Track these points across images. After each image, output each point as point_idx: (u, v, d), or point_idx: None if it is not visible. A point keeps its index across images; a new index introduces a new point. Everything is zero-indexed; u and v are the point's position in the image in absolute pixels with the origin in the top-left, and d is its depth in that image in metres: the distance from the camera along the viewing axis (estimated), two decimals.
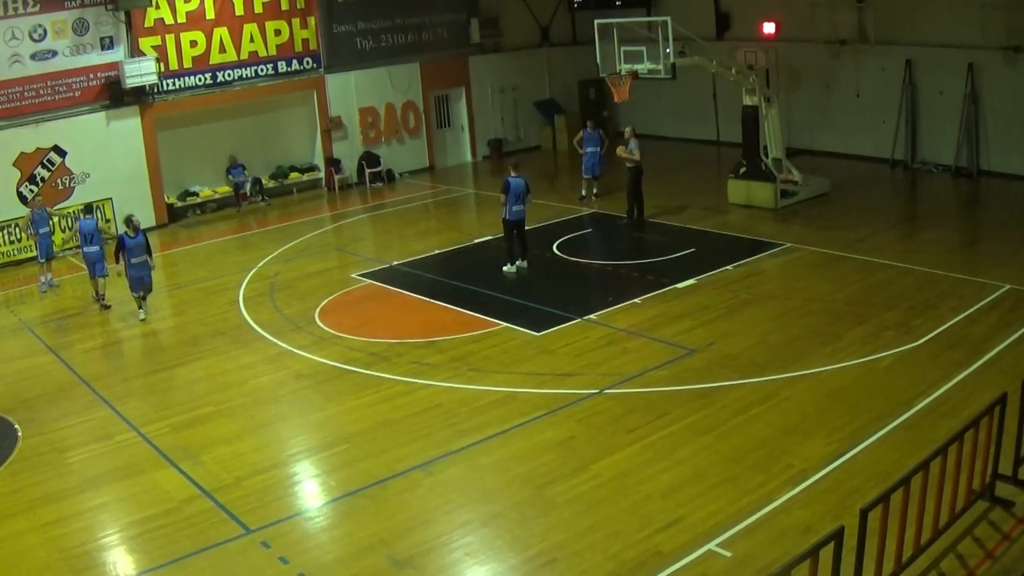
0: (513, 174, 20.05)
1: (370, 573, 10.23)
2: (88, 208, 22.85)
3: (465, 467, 12.42)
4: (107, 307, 19.94)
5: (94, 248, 20.43)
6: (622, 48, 23.00)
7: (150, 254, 19.38)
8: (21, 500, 12.45)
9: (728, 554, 9.97)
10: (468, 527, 10.99)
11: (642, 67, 22.70)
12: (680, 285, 18.69)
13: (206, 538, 11.13)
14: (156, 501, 12.09)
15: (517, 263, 20.37)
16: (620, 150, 23.87)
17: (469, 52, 33.29)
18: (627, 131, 24.28)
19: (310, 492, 12.48)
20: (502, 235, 20.63)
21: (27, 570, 10.88)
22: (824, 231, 21.74)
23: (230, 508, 11.77)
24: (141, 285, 19.26)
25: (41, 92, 24.95)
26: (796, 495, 10.97)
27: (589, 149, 25.95)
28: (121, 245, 18.98)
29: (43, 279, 22.06)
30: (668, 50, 22.05)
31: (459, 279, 20.13)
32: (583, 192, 26.53)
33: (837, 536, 7.90)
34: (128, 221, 19.31)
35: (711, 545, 10.13)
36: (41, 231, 22.03)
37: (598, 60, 23.71)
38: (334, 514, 11.75)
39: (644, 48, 22.87)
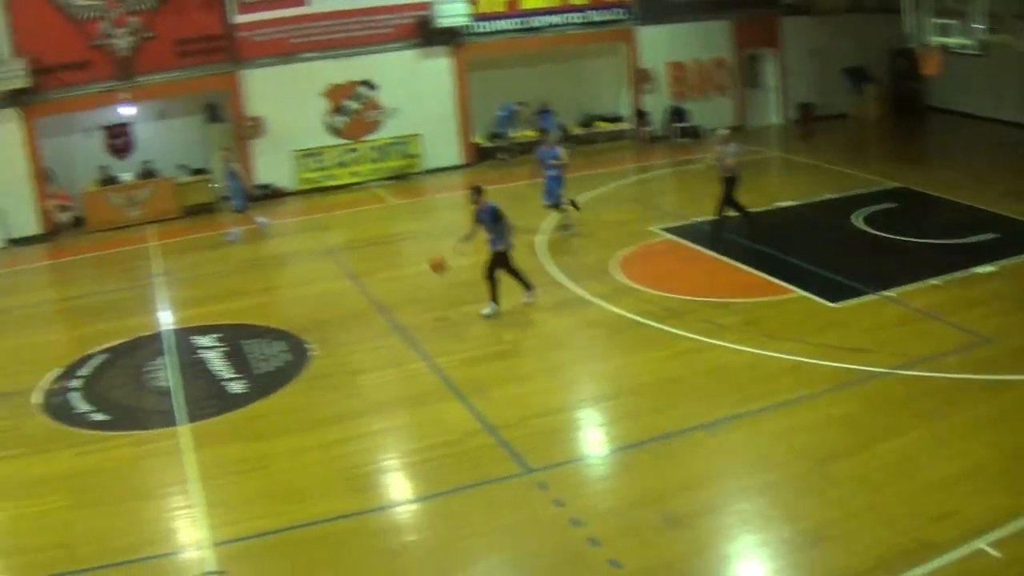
0: None
1: (641, 527, 9.98)
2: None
3: (747, 432, 11.96)
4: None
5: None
6: (933, 20, 21.63)
7: None
8: (308, 417, 13.04)
9: (998, 555, 9.05)
10: (744, 493, 10.58)
11: (952, 41, 21.33)
12: (979, 270, 17.22)
13: (484, 472, 11.23)
14: (439, 431, 12.32)
15: None
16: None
17: (781, 13, 31.95)
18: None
19: (592, 439, 12.39)
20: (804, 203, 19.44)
21: (305, 484, 11.36)
22: None
23: (512, 446, 11.81)
24: None
25: (353, 27, 25.83)
26: None
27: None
28: None
29: (234, 230, 22.60)
30: (978, 26, 20.57)
31: (760, 242, 19.41)
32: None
33: None
34: None
35: (981, 543, 9.23)
36: (232, 184, 22.58)
37: (908, 30, 22.29)
38: (613, 464, 11.61)
39: (955, 21, 21.36)
